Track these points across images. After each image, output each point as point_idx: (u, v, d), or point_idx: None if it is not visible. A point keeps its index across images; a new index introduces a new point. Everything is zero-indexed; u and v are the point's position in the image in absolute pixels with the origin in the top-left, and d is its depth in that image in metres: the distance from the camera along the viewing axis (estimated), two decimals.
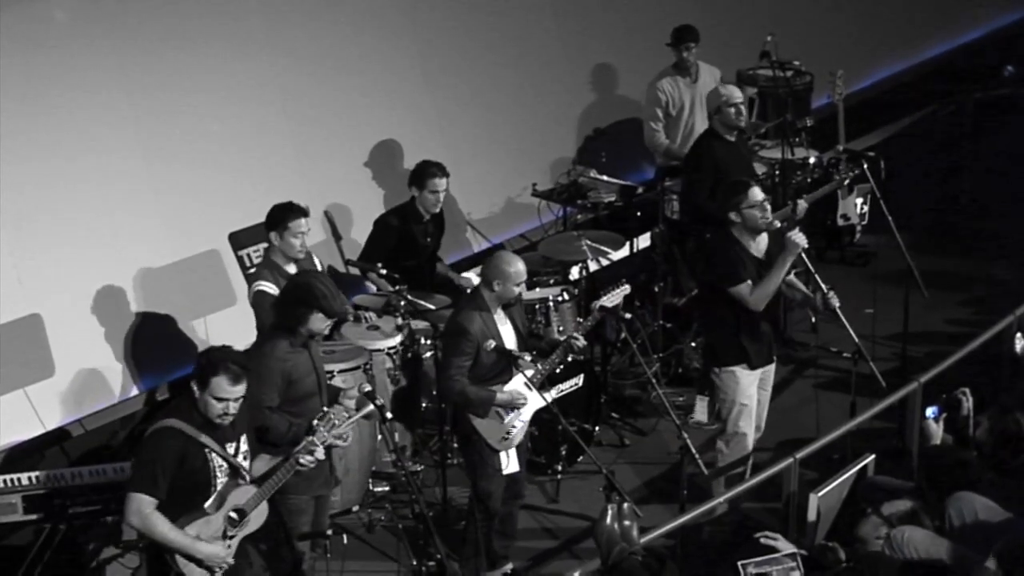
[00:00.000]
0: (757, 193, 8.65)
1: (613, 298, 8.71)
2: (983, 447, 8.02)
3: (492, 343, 8.20)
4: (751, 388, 8.88)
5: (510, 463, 8.40)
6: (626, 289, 8.75)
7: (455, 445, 9.08)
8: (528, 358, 8.31)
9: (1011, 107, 14.23)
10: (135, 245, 9.93)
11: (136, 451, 7.43)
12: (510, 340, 8.32)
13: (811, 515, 7.73)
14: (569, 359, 8.67)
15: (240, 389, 7.06)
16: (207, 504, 7.14)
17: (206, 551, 7.10)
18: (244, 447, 7.30)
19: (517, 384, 8.32)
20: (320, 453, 7.31)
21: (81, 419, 9.68)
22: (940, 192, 13.33)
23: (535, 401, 8.39)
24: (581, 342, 8.43)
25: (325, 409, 7.53)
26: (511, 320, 8.39)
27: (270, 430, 7.63)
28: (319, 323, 7.78)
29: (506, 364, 8.27)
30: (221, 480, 7.16)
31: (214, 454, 7.10)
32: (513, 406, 8.30)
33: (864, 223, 11.95)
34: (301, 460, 7.25)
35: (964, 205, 13.15)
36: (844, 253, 12.11)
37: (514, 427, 8.33)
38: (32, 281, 9.48)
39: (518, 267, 8.21)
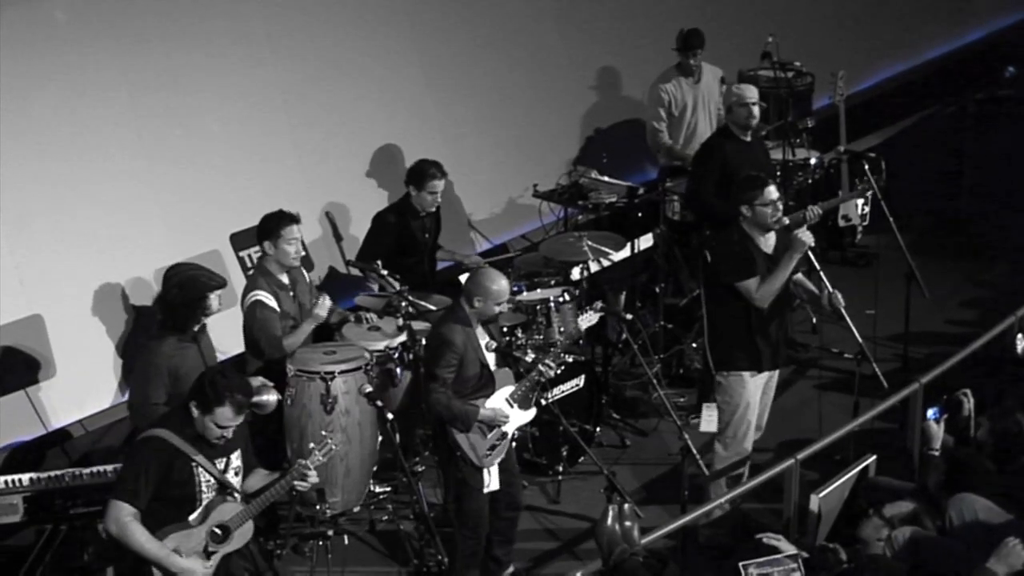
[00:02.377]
0: (772, 191, 8.60)
1: (585, 321, 8.83)
2: (984, 448, 8.03)
3: (493, 343, 8.19)
4: (757, 393, 8.83)
5: (492, 480, 8.32)
6: (598, 304, 8.96)
7: (436, 458, 9.02)
8: (531, 357, 8.31)
9: (1012, 108, 14.23)
10: (136, 246, 9.92)
11: (124, 457, 7.42)
12: (490, 356, 8.29)
13: (812, 516, 7.72)
14: (562, 366, 8.74)
15: (241, 418, 7.13)
16: (191, 517, 7.12)
17: (181, 565, 7.07)
18: (236, 463, 7.27)
19: (499, 401, 8.30)
20: (313, 477, 7.30)
21: (82, 420, 9.67)
22: (941, 193, 13.33)
23: (517, 418, 8.36)
24: (551, 373, 8.41)
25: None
26: (489, 335, 8.36)
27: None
28: (215, 302, 8.14)
29: (488, 379, 8.23)
30: (207, 495, 7.14)
31: (201, 469, 7.09)
32: (495, 423, 8.27)
33: (865, 224, 11.95)
34: (297, 486, 7.26)
35: (965, 206, 13.15)
36: (845, 254, 12.11)
37: (497, 443, 8.29)
38: (33, 282, 9.47)
39: (501, 285, 8.13)
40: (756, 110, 10.29)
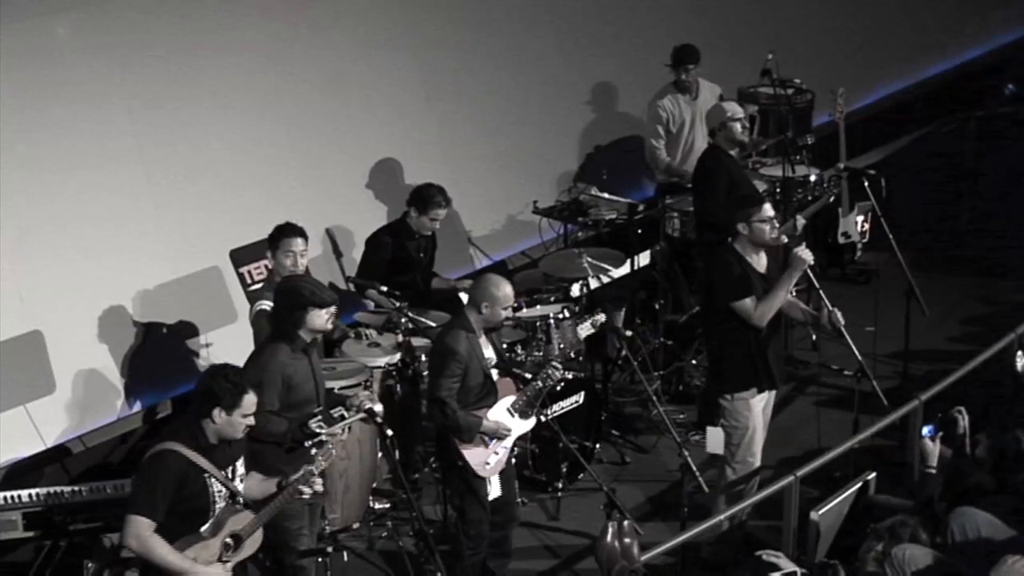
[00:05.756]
0: (769, 208, 8.60)
1: (584, 329, 8.79)
2: (984, 465, 8.03)
3: (493, 360, 8.20)
4: (760, 413, 8.82)
5: (494, 488, 8.36)
6: (600, 318, 8.82)
7: (436, 475, 9.02)
8: (530, 375, 8.32)
9: (1012, 126, 14.24)
10: (136, 262, 9.93)
11: (136, 472, 7.43)
12: (492, 365, 8.32)
13: (811, 533, 7.71)
14: (562, 381, 8.72)
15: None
16: (203, 528, 7.13)
17: (205, 573, 7.09)
18: (241, 471, 7.29)
19: (500, 411, 8.31)
20: (319, 484, 7.31)
21: (82, 436, 9.67)
22: (941, 210, 13.33)
23: (518, 428, 8.39)
24: (558, 375, 8.42)
25: (323, 438, 7.57)
26: (492, 345, 8.38)
27: (270, 431, 7.68)
28: (319, 319, 7.89)
29: (491, 389, 8.25)
30: (219, 505, 7.14)
31: (213, 479, 7.10)
32: (498, 434, 8.28)
33: (865, 241, 11.95)
34: (304, 491, 7.26)
35: (965, 223, 13.15)
36: (845, 271, 12.11)
37: (496, 453, 8.31)
38: (33, 298, 9.48)
39: (506, 290, 8.17)
40: (746, 123, 10.33)
